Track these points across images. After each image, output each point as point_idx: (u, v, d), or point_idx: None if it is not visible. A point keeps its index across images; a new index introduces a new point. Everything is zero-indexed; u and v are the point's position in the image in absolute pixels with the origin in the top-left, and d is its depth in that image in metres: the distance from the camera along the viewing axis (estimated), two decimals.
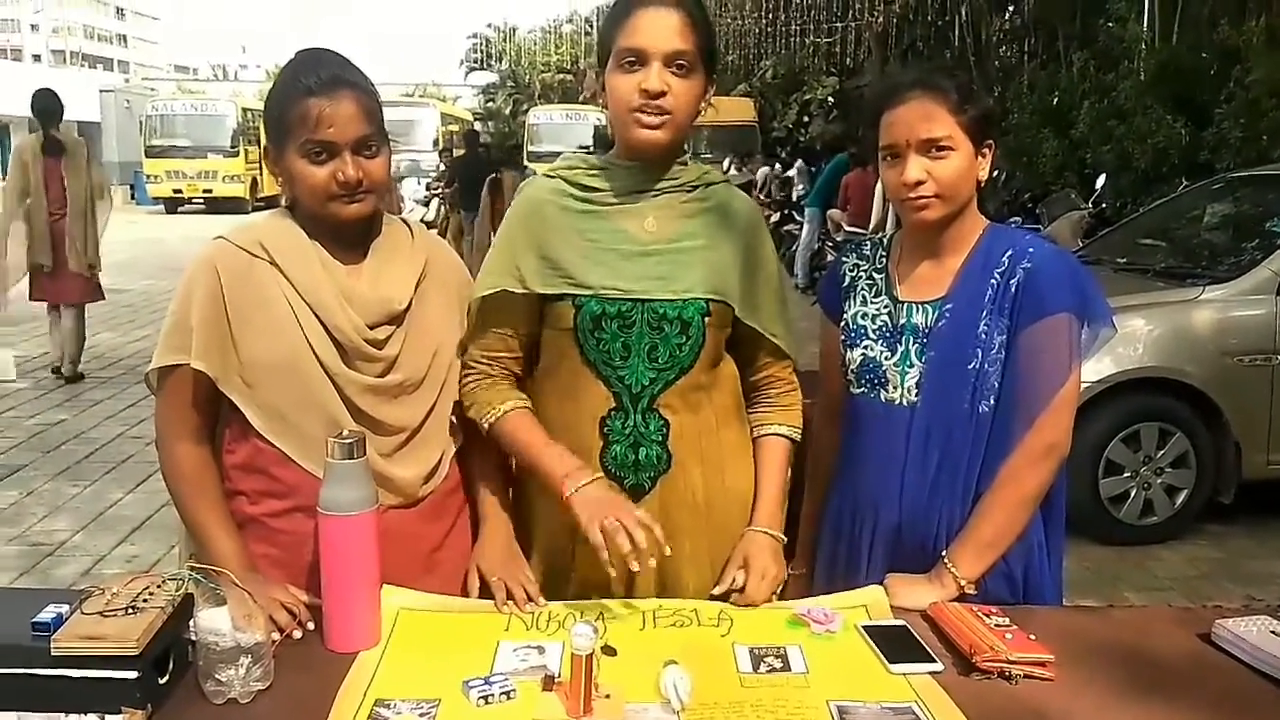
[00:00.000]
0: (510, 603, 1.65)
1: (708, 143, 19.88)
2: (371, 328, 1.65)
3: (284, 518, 1.66)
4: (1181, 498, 4.63)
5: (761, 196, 16.01)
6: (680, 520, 1.75)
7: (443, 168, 14.45)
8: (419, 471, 1.71)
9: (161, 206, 26.02)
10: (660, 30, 1.64)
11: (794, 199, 15.00)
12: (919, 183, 1.68)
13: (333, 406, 1.62)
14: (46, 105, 7.08)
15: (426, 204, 15.22)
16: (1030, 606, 1.73)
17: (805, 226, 12.19)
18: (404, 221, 1.82)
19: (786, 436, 1.88)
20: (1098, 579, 4.21)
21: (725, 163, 18.21)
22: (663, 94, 1.64)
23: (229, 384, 1.63)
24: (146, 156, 26.36)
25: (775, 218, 14.74)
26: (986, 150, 1.73)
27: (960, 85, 1.69)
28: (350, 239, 1.70)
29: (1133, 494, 4.60)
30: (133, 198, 27.73)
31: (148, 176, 26.52)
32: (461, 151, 13.60)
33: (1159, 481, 4.60)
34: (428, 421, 1.73)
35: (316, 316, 1.62)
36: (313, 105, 1.58)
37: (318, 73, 1.61)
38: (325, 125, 1.58)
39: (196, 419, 1.67)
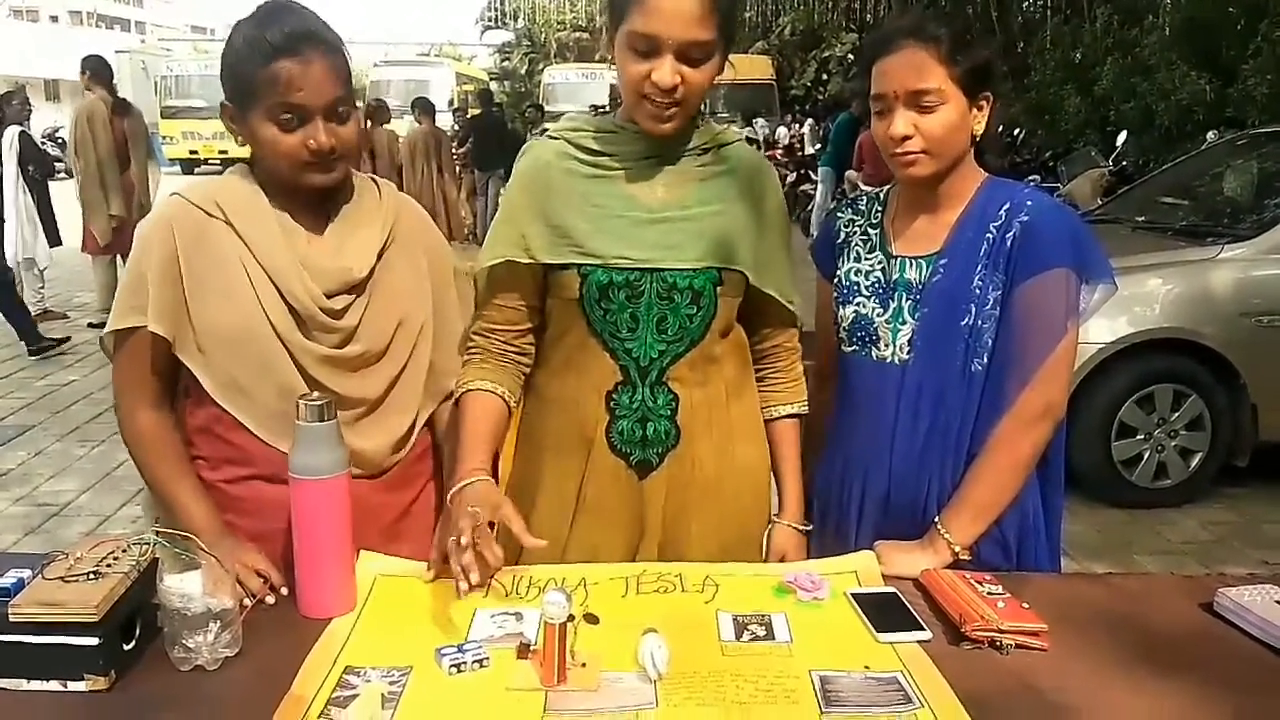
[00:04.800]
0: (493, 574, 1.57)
1: (725, 101, 19.67)
2: (330, 296, 1.59)
3: (243, 484, 1.62)
4: (1196, 461, 4.56)
5: (779, 155, 15.87)
6: (688, 498, 1.71)
7: (456, 128, 14.33)
8: (382, 443, 1.66)
9: (178, 168, 26.02)
10: (677, 16, 1.51)
11: (807, 157, 14.83)
12: (906, 137, 1.61)
13: (288, 376, 1.57)
14: (103, 69, 7.78)
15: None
16: (1025, 574, 1.68)
17: (819, 187, 12.05)
18: (374, 181, 1.75)
19: (797, 415, 1.84)
20: (1108, 543, 4.16)
21: (741, 121, 18.04)
22: (675, 88, 1.55)
23: (185, 349, 1.58)
24: (162, 118, 26.28)
25: (792, 177, 14.61)
26: (984, 103, 1.65)
27: (954, 34, 1.61)
28: (314, 203, 1.63)
29: (1146, 456, 4.53)
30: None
31: (164, 138, 26.42)
32: (476, 111, 13.48)
33: (1173, 444, 4.53)
34: (392, 393, 1.68)
35: (273, 283, 1.57)
36: (282, 67, 1.50)
37: (285, 29, 1.51)
38: (295, 89, 1.50)
39: (156, 383, 1.62)
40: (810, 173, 13.54)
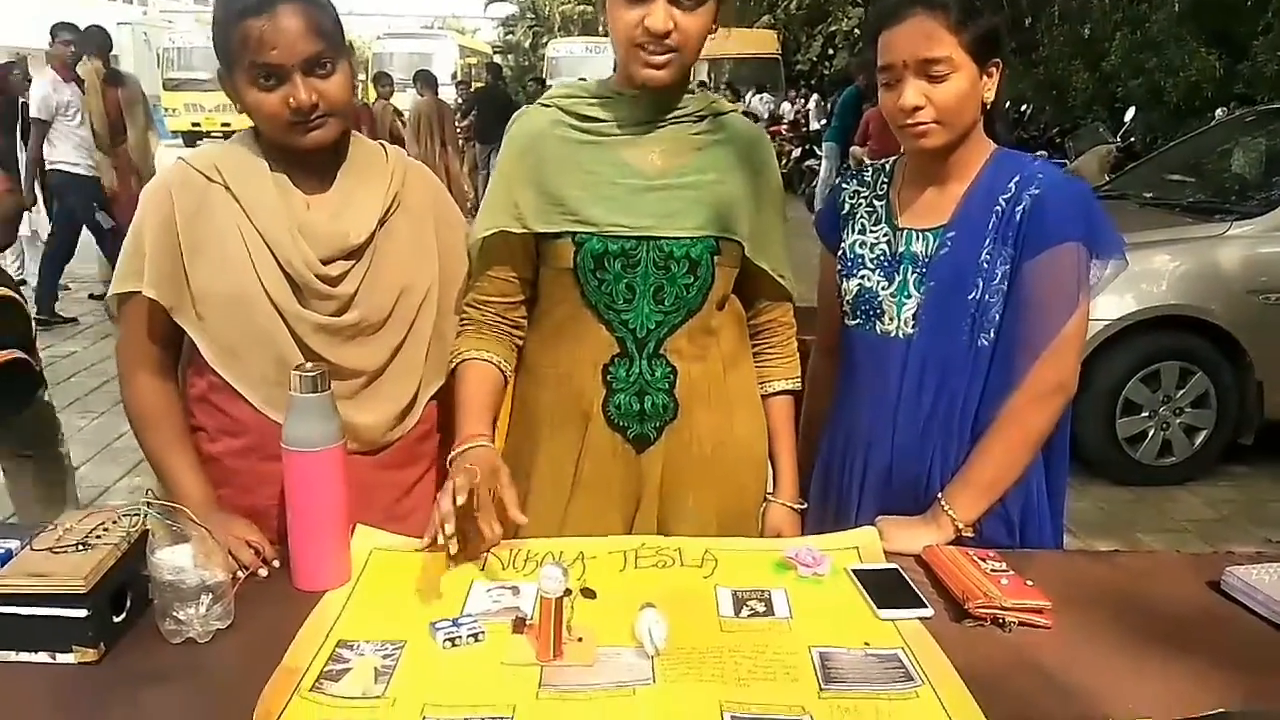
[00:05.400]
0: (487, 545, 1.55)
1: (730, 76, 19.53)
2: (326, 262, 1.56)
3: (240, 457, 1.60)
4: (1201, 438, 4.54)
5: (783, 131, 15.77)
6: (686, 472, 1.68)
7: (460, 101, 14.24)
8: (381, 417, 1.63)
9: (180, 140, 25.92)
10: None
11: (812, 133, 14.74)
12: (917, 108, 1.57)
13: (282, 345, 1.54)
14: (104, 40, 7.68)
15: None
16: (1029, 551, 1.66)
17: (824, 162, 11.98)
18: (382, 145, 1.72)
19: (791, 391, 1.81)
20: (1112, 521, 4.14)
21: (747, 97, 17.92)
22: (668, 33, 1.52)
23: (183, 314, 1.56)
24: (164, 90, 26.12)
25: (796, 153, 14.53)
26: (993, 70, 1.61)
27: (962, 1, 1.57)
28: (314, 166, 1.60)
29: (1151, 434, 4.50)
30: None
31: (166, 110, 26.27)
32: (481, 84, 13.39)
33: (1178, 422, 4.51)
34: (392, 364, 1.64)
35: (269, 248, 1.54)
36: (251, 26, 1.46)
37: None
38: (268, 47, 1.47)
39: (155, 350, 1.60)
40: (815, 148, 13.47)
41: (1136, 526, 4.12)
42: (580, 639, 1.32)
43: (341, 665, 1.27)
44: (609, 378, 1.65)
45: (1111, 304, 4.28)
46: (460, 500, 1.39)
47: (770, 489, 1.82)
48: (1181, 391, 4.47)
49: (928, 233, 1.66)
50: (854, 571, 1.51)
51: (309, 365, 1.42)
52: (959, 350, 1.63)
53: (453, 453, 1.56)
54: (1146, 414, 4.48)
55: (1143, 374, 4.43)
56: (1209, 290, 4.45)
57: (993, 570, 1.46)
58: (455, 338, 1.71)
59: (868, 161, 2.69)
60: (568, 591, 1.38)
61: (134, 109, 7.81)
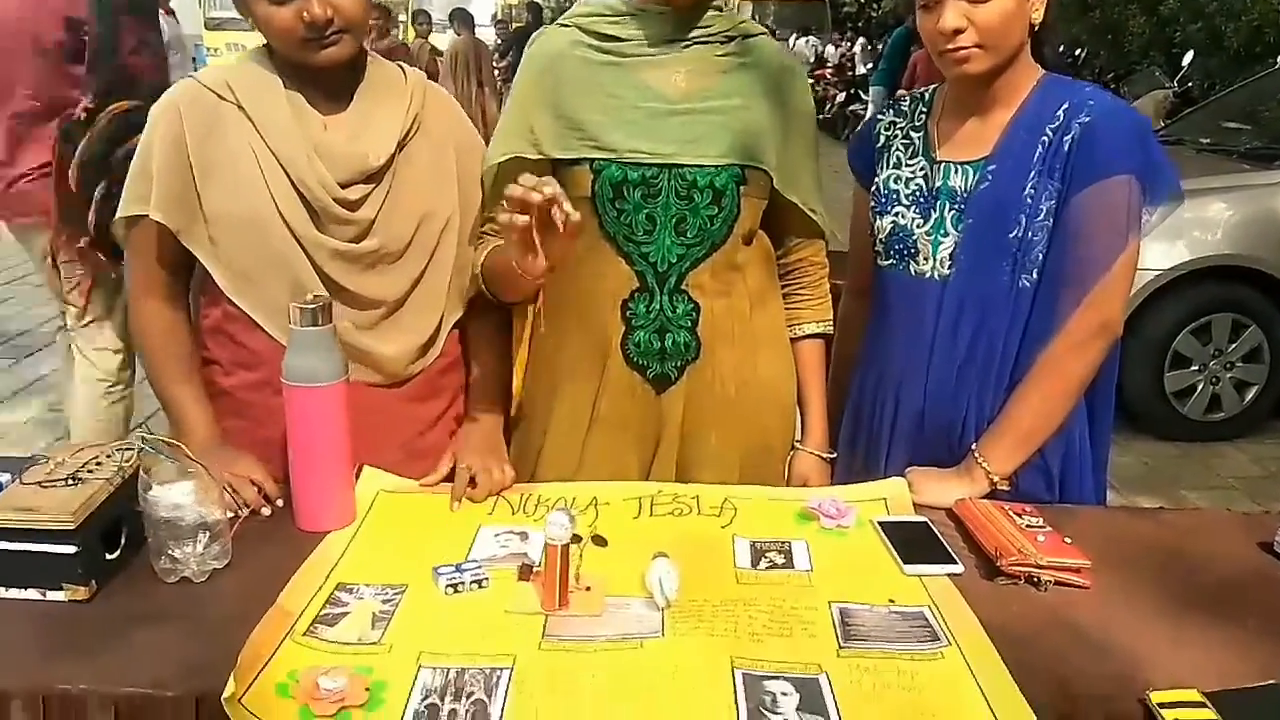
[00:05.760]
0: (471, 491, 1.51)
1: (775, 18, 19.14)
2: (344, 186, 1.49)
3: (256, 390, 1.54)
4: (1251, 394, 4.38)
5: (828, 74, 15.45)
6: (707, 413, 1.61)
7: (499, 41, 14.05)
8: (403, 348, 1.57)
9: None
10: None
11: (858, 77, 14.43)
12: (957, 31, 1.46)
13: (299, 272, 1.48)
14: None
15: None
16: (1070, 506, 1.57)
17: (870, 107, 11.70)
18: (400, 67, 1.64)
19: (822, 335, 1.73)
20: (1156, 477, 4.02)
21: (791, 39, 17.57)
22: None
23: (193, 239, 1.49)
24: (206, 29, 26.11)
25: (841, 97, 14.23)
26: None
27: None
28: (330, 86, 1.53)
29: (1199, 388, 4.35)
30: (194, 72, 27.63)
31: (209, 50, 26.30)
32: (521, 25, 13.21)
33: (1228, 376, 4.35)
34: (414, 293, 1.58)
35: (284, 170, 1.47)
36: None
37: None
38: None
39: (165, 276, 1.54)
40: (860, 93, 13.17)
41: (1181, 483, 4.00)
42: (588, 588, 1.26)
43: (339, 609, 1.22)
44: (628, 314, 1.57)
45: (1162, 253, 4.11)
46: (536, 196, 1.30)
47: (798, 436, 1.74)
48: (1233, 345, 4.31)
49: (967, 166, 1.56)
50: (880, 524, 1.44)
51: (310, 296, 1.36)
52: (998, 291, 1.53)
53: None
54: (1196, 367, 4.33)
55: (1193, 326, 4.27)
56: (1265, 240, 4.26)
57: (1029, 526, 1.38)
58: (474, 250, 1.63)
59: (904, 92, 2.56)
60: (576, 538, 1.32)
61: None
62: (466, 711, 1.04)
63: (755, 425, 1.66)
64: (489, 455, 1.56)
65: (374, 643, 1.15)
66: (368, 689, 1.06)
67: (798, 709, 1.05)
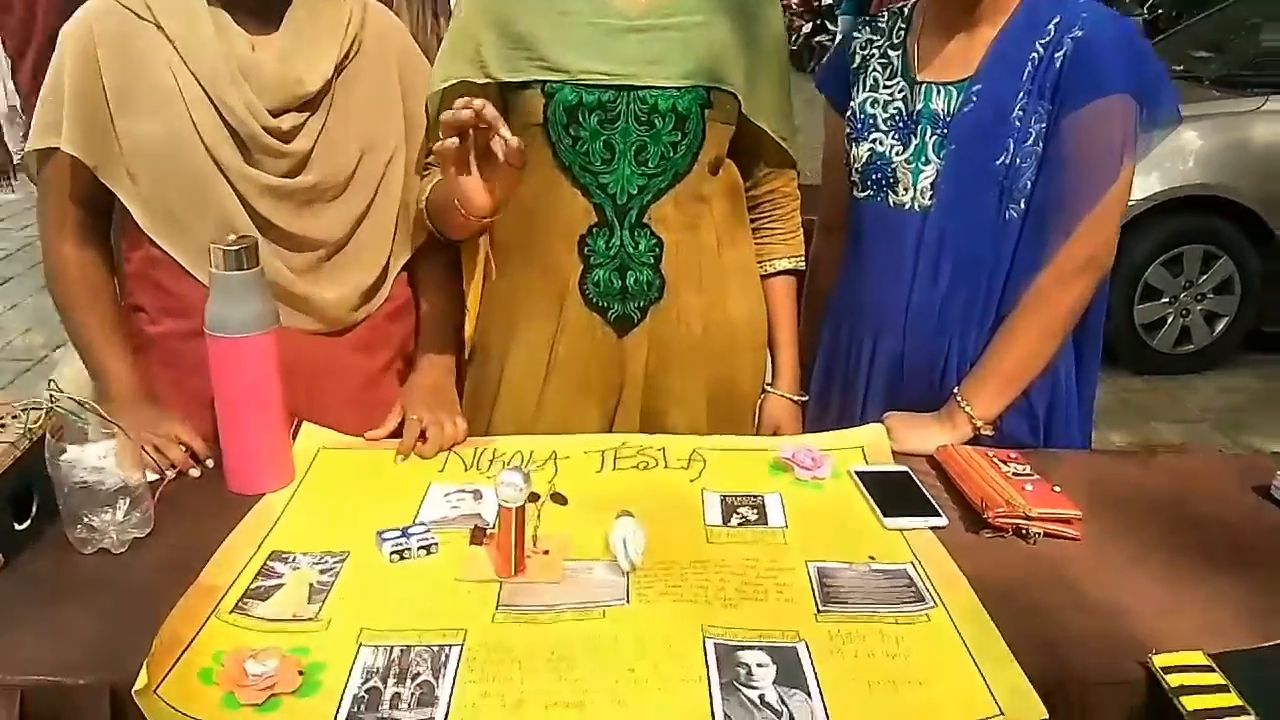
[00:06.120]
0: (422, 446, 1.40)
1: None
2: (276, 114, 1.36)
3: (186, 340, 1.40)
4: (1221, 325, 4.35)
5: (794, 4, 15.15)
6: (673, 355, 1.51)
7: None
8: (346, 293, 1.46)
9: None
10: None
11: (824, 7, 14.14)
12: None
13: (227, 209, 1.35)
14: None
15: None
16: (1056, 451, 1.49)
17: (838, 37, 11.49)
18: None
19: (794, 271, 1.63)
20: (1127, 410, 3.99)
21: None
22: None
23: (110, 174, 1.36)
24: None
25: (807, 28, 13.97)
26: None
27: None
28: (258, 2, 1.38)
29: (1170, 321, 4.31)
30: None
31: None
32: None
33: (1199, 308, 4.31)
34: (358, 233, 1.46)
35: (206, 94, 1.33)
36: None
37: None
38: None
39: (79, 215, 1.41)
40: (828, 23, 12.92)
41: (1152, 415, 3.96)
42: (546, 552, 1.16)
43: (273, 580, 1.11)
44: (586, 251, 1.46)
45: (1135, 184, 4.02)
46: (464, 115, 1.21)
47: (768, 379, 1.64)
48: (1204, 277, 4.26)
49: (950, 87, 1.45)
50: (858, 474, 1.35)
51: (231, 238, 1.23)
52: (983, 224, 1.43)
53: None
54: (1167, 300, 4.28)
55: (1164, 258, 4.22)
56: (1238, 169, 4.19)
57: (1015, 474, 1.29)
58: (420, 180, 1.51)
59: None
60: (534, 497, 1.23)
61: None
62: (411, 695, 0.94)
63: (724, 368, 1.56)
64: (440, 407, 1.45)
65: (310, 619, 1.05)
66: (301, 672, 0.96)
67: (775, 682, 0.96)
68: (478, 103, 1.21)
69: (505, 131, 1.21)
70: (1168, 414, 3.99)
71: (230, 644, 0.99)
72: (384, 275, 1.50)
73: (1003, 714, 0.92)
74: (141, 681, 0.89)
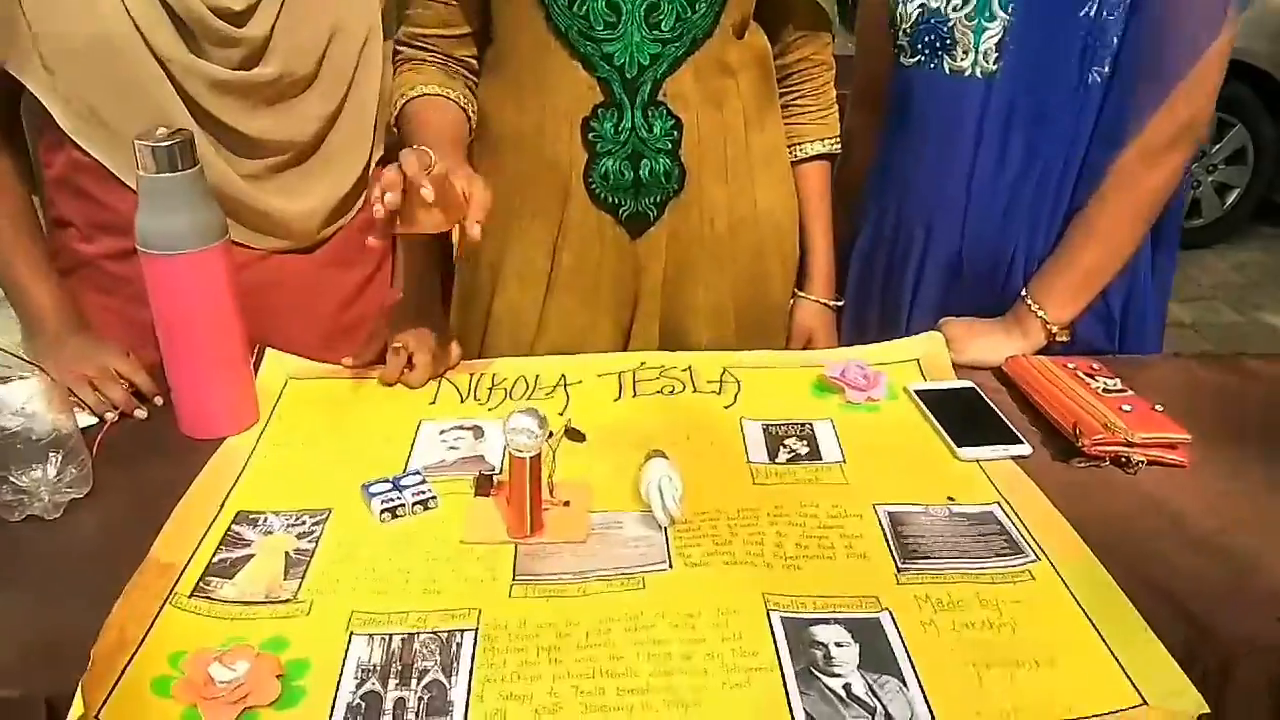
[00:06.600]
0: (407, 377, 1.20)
1: None
2: None
3: (124, 260, 1.19)
4: (1233, 197, 4.17)
5: None
6: (695, 258, 1.31)
7: None
8: (316, 204, 1.25)
9: None
10: None
11: None
12: None
13: (167, 107, 1.12)
14: None
15: None
16: (1137, 357, 1.31)
17: None
18: None
19: (828, 155, 1.41)
20: None
21: None
22: None
23: (24, 66, 1.12)
24: None
25: None
26: None
27: None
28: None
29: None
30: None
31: None
32: None
33: (1210, 179, 4.11)
34: (330, 135, 1.25)
35: None
36: None
37: None
38: None
39: None
40: None
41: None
42: (567, 503, 0.97)
43: (239, 551, 0.92)
44: (591, 136, 1.24)
45: None
46: (409, 169, 0.99)
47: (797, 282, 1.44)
48: (1216, 147, 4.05)
49: None
50: (918, 393, 1.16)
51: (161, 131, 0.99)
52: (1061, 91, 1.22)
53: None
54: None
55: None
56: (1255, 30, 3.94)
57: (1106, 390, 1.11)
58: (395, 74, 1.29)
59: None
60: (549, 433, 1.03)
61: None
62: (418, 700, 0.76)
63: (754, 272, 1.35)
64: (428, 328, 1.24)
65: (288, 599, 0.86)
66: (280, 675, 0.77)
67: (860, 666, 0.79)
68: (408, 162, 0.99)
69: (426, 191, 0.99)
70: (1179, 291, 3.81)
71: (191, 641, 0.80)
72: (362, 181, 1.28)
73: (1147, 704, 0.75)
74: (77, 711, 0.70)
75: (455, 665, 0.79)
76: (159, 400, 1.14)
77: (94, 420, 1.10)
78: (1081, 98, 1.22)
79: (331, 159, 1.26)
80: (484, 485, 1.00)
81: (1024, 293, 1.26)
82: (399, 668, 0.79)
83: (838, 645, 0.81)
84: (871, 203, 1.43)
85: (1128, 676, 0.77)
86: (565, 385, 1.19)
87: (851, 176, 1.49)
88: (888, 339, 1.31)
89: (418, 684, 0.77)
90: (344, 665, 0.79)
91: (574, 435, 1.09)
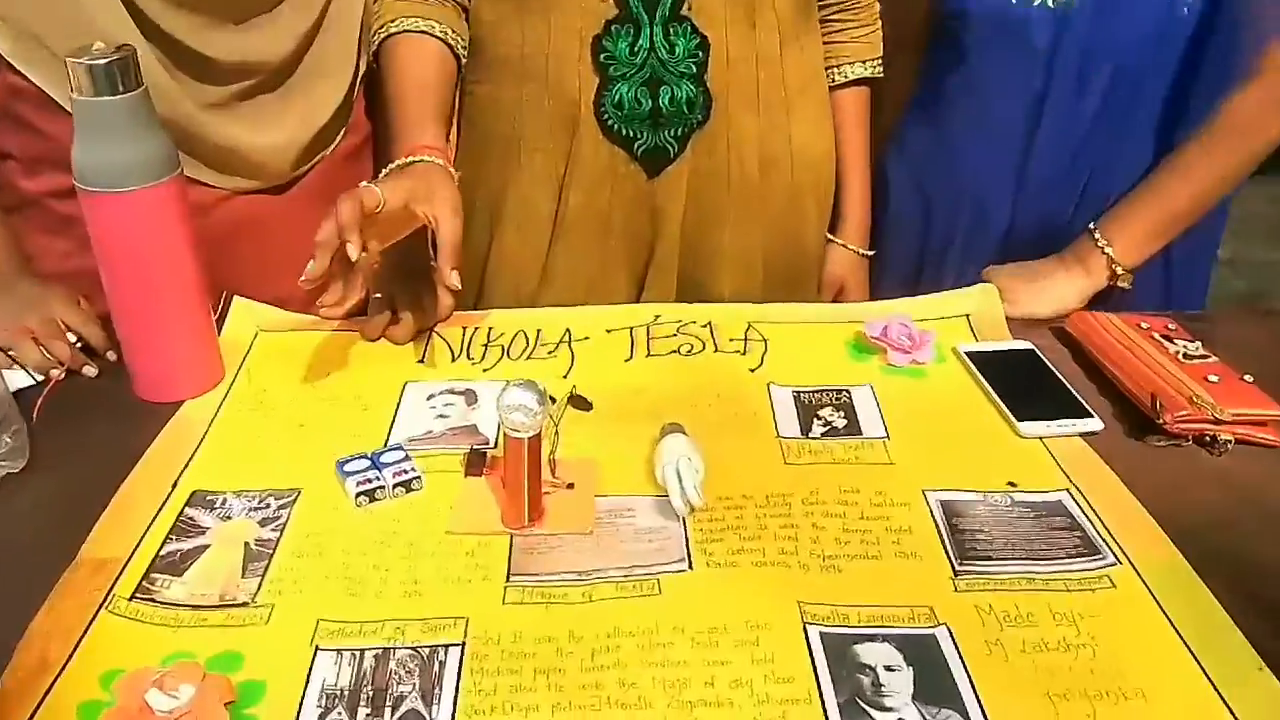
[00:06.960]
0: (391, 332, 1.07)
1: None
2: None
3: (71, 199, 1.04)
4: None
5: None
6: (720, 199, 1.16)
7: None
8: (287, 137, 1.11)
9: None
10: None
11: None
12: None
13: (111, 22, 0.98)
14: None
15: None
16: (1206, 314, 1.18)
17: None
18: None
19: (869, 80, 1.25)
20: None
21: None
22: None
23: None
24: None
25: None
26: None
27: None
28: None
29: None
30: None
31: None
32: None
33: None
34: (307, 57, 1.11)
35: None
36: None
37: None
38: None
39: None
40: None
41: None
42: (570, 485, 0.85)
43: (191, 541, 0.79)
44: (603, 58, 1.09)
45: None
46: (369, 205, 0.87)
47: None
48: None
49: None
50: (969, 356, 1.03)
51: (99, 46, 0.84)
52: (1146, 23, 1.07)
53: (394, 165, 1.01)
54: None
55: None
56: None
57: (1187, 356, 0.97)
58: (373, 3, 1.14)
59: None
60: (551, 399, 0.90)
61: None
62: None
63: (786, 215, 1.21)
64: (415, 274, 1.10)
65: (245, 603, 0.74)
66: (230, 703, 0.65)
67: (914, 697, 0.67)
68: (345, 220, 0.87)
69: (354, 252, 0.87)
70: None
71: (128, 656, 0.68)
72: (345, 108, 1.14)
73: None
74: None
75: (437, 691, 0.67)
76: (111, 355, 1.01)
77: (33, 381, 0.97)
78: (1172, 30, 1.07)
79: (308, 84, 1.13)
80: (475, 464, 0.87)
81: (1092, 226, 1.12)
82: (370, 692, 0.67)
83: (888, 669, 0.69)
84: (899, 166, 1.28)
85: (1234, 717, 0.65)
86: (570, 341, 1.05)
87: (882, 126, 1.33)
88: (924, 292, 1.17)
89: (392, 714, 0.65)
90: (306, 690, 0.67)
91: (579, 403, 0.95)
